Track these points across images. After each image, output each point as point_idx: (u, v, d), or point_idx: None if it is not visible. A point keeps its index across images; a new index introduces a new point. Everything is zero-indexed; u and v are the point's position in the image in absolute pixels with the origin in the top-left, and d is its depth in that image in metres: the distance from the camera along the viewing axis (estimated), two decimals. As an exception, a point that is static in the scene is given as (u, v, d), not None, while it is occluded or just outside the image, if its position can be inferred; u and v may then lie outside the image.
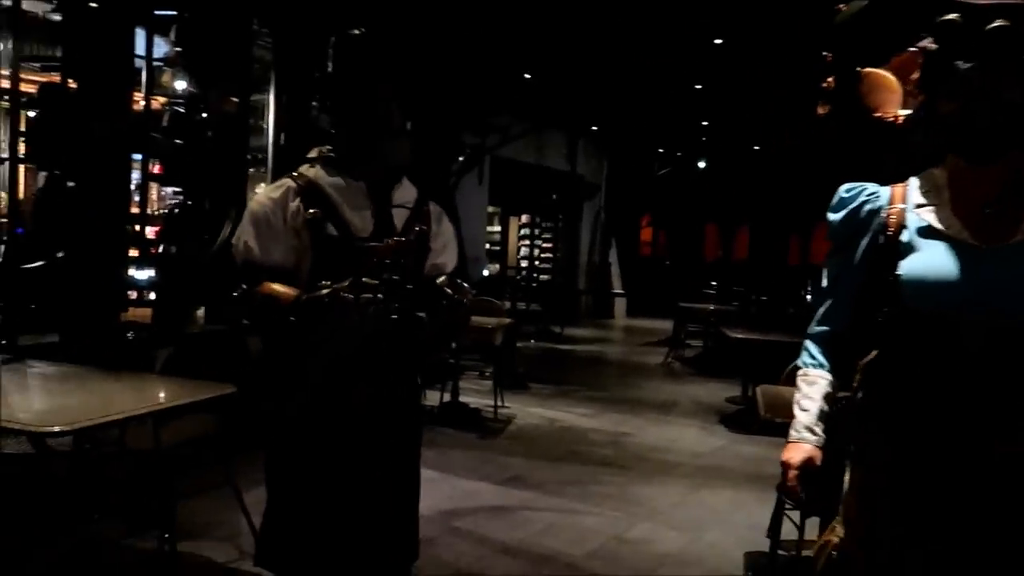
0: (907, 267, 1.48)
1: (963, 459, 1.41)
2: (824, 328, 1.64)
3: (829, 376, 1.62)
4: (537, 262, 15.33)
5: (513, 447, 5.37)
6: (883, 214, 1.55)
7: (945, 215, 1.49)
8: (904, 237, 1.51)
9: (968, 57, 1.40)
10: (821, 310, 1.65)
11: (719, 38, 8.14)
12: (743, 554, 3.60)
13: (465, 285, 2.02)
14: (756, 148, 13.95)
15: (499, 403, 6.25)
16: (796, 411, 1.63)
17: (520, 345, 8.89)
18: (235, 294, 1.95)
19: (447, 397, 6.07)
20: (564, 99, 11.12)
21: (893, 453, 1.47)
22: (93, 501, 2.99)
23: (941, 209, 1.50)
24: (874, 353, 1.54)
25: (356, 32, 1.98)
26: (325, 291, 1.83)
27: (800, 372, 1.66)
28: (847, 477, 1.58)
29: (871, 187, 1.60)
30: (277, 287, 1.91)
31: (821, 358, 1.63)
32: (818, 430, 1.59)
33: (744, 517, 4.10)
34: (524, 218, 15.36)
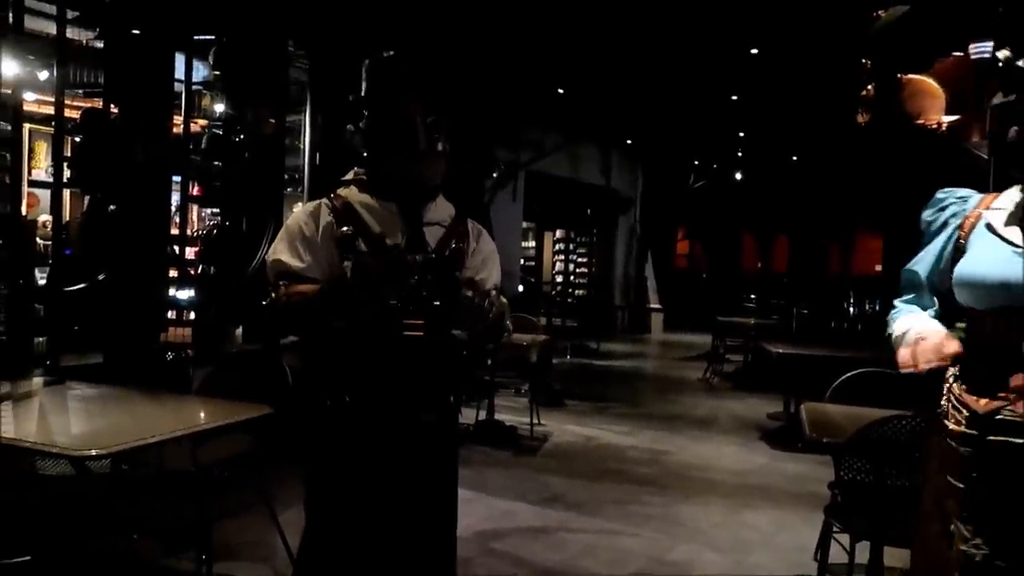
0: (959, 268, 1.56)
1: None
2: (909, 296, 1.72)
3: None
4: (572, 277, 15.27)
5: (550, 466, 5.31)
6: (962, 218, 1.62)
7: (1010, 221, 1.56)
8: (970, 240, 1.58)
9: None
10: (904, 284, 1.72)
11: (755, 48, 8.05)
12: (789, 578, 3.51)
13: (488, 289, 1.97)
14: (794, 158, 13.76)
15: (535, 421, 6.20)
16: (906, 325, 1.63)
17: (556, 361, 8.83)
18: (263, 303, 1.94)
19: (483, 415, 6.03)
20: (598, 112, 11.09)
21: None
22: (131, 521, 3.01)
23: (1011, 217, 1.56)
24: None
25: (387, 55, 1.98)
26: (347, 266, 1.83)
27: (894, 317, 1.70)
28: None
29: (963, 192, 1.67)
30: (303, 286, 1.90)
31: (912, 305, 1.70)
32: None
33: (789, 539, 3.98)
34: (559, 233, 15.33)
